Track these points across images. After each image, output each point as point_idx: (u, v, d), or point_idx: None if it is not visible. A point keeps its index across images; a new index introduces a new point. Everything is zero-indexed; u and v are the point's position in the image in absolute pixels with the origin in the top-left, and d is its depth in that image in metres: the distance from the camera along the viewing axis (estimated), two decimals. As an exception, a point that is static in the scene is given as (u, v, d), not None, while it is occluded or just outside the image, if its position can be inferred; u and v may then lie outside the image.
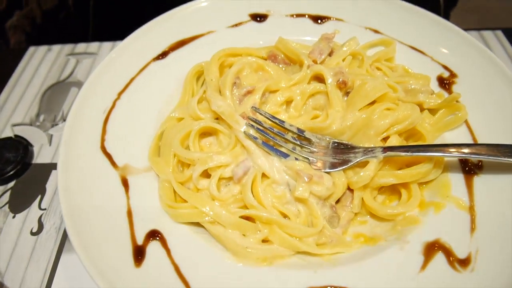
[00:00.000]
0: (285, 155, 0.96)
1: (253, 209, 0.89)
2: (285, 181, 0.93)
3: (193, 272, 0.81)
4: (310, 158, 0.96)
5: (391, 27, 1.27)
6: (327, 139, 1.00)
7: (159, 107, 1.12)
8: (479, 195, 0.90)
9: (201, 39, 1.27)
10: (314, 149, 0.98)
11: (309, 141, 1.00)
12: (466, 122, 1.04)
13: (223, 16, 1.31)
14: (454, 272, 0.78)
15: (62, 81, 1.49)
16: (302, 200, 0.91)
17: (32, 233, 1.09)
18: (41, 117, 1.38)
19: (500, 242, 0.81)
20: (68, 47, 1.61)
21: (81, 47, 1.61)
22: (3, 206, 1.15)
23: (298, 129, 1.00)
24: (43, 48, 1.62)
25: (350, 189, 0.98)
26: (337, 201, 0.97)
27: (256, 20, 1.33)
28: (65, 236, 1.08)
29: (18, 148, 1.26)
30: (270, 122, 1.00)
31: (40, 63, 1.56)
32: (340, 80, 1.05)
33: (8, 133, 1.32)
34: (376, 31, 1.27)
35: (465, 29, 1.52)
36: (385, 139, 0.99)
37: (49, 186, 1.19)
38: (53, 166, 1.23)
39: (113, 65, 1.17)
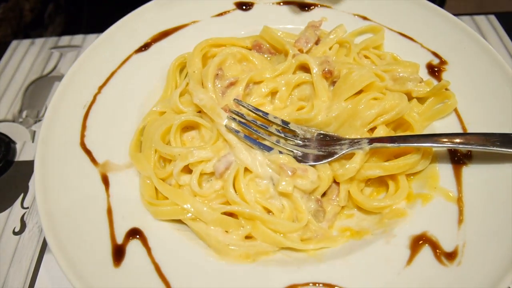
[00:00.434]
0: (269, 149, 0.93)
1: (235, 204, 0.87)
2: (269, 175, 0.91)
3: (174, 271, 0.79)
4: (294, 151, 0.94)
5: (380, 14, 1.23)
6: (313, 130, 0.98)
7: (141, 101, 1.09)
8: (468, 186, 0.88)
9: (184, 30, 1.24)
10: (299, 142, 0.96)
11: (294, 133, 0.97)
12: (455, 110, 1.01)
13: (207, 5, 1.28)
14: (440, 266, 0.76)
15: (45, 75, 1.46)
16: (286, 194, 0.89)
17: (15, 233, 1.07)
18: (24, 113, 1.35)
19: (488, 235, 0.79)
20: (51, 40, 1.57)
21: (65, 40, 1.58)
22: (-15, 205, 1.13)
23: (283, 121, 0.98)
24: (26, 42, 1.58)
25: (336, 182, 0.95)
26: (323, 195, 0.95)
27: (242, 9, 1.29)
28: (48, 235, 1.06)
29: (0, 145, 1.23)
30: (253, 115, 0.97)
31: (23, 57, 1.53)
32: (326, 69, 1.02)
33: (-11, 130, 1.30)
34: (364, 18, 1.24)
35: (458, 14, 1.49)
36: (372, 129, 0.97)
37: (32, 184, 1.16)
38: None
39: (93, 58, 1.13)
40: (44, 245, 1.04)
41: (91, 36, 1.57)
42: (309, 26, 1.17)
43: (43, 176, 0.90)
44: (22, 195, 1.14)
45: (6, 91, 1.41)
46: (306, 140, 0.96)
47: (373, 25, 1.21)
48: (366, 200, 0.92)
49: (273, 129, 0.96)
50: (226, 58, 1.06)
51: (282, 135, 0.96)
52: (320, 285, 0.77)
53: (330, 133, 0.97)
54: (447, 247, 0.79)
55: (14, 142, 1.26)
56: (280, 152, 0.93)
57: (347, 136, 0.96)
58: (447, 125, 1.00)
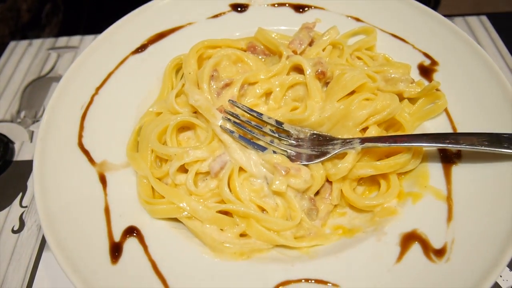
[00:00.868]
0: (263, 148, 0.95)
1: (230, 203, 0.89)
2: (263, 174, 0.93)
3: (170, 269, 0.81)
4: (288, 150, 0.96)
5: (373, 15, 1.25)
6: (306, 131, 1.00)
7: (138, 101, 1.11)
8: (457, 184, 0.90)
9: (180, 31, 1.25)
10: (293, 142, 0.98)
11: (287, 133, 0.99)
12: (446, 110, 1.03)
13: (203, 7, 1.29)
14: (429, 262, 0.79)
15: (43, 76, 1.48)
16: (280, 193, 0.91)
17: (14, 231, 1.09)
18: (22, 114, 1.36)
19: (476, 232, 0.81)
20: (49, 41, 1.59)
21: (62, 41, 1.59)
22: (-16, 204, 1.14)
23: (277, 121, 1.00)
24: (23, 43, 1.59)
25: (329, 181, 0.97)
26: (316, 194, 0.97)
27: (237, 10, 1.31)
28: (46, 233, 1.07)
29: (-1, 145, 1.25)
30: (248, 115, 0.99)
31: (21, 58, 1.54)
32: (319, 70, 1.04)
33: (-12, 130, 1.31)
34: (357, 19, 1.26)
35: (452, 15, 1.51)
36: (364, 129, 0.99)
37: (31, 183, 1.18)
38: None
39: (90, 59, 1.15)
40: (43, 244, 1.06)
41: (88, 37, 1.59)
42: (303, 27, 1.19)
43: (41, 175, 0.91)
44: (20, 194, 1.16)
45: (4, 91, 1.43)
46: (299, 140, 0.99)
47: (365, 26, 1.23)
48: (358, 198, 0.94)
49: (267, 129, 0.98)
50: (221, 59, 1.08)
51: (276, 135, 0.98)
52: (312, 281, 0.79)
53: (323, 133, 0.99)
54: (436, 244, 0.81)
55: (12, 142, 1.28)
56: (274, 152, 0.95)
57: (340, 136, 0.98)
58: (438, 125, 1.02)
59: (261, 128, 0.98)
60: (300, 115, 1.00)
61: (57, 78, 1.46)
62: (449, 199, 0.88)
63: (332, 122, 0.99)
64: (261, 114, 1.00)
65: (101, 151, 1.00)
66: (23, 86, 1.45)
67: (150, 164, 0.97)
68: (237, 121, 0.97)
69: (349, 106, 0.97)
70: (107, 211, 0.90)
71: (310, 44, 1.17)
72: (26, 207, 1.13)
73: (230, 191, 0.90)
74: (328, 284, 0.78)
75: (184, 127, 1.04)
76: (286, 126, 1.00)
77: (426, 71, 1.12)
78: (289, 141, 0.98)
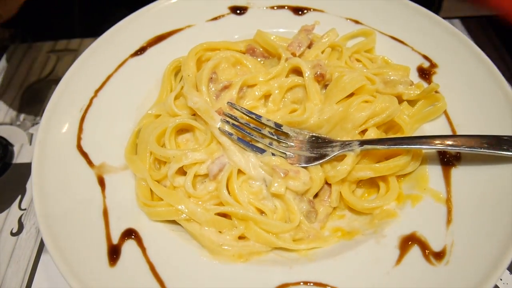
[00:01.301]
0: (261, 151, 0.95)
1: (228, 205, 0.89)
2: (261, 176, 0.93)
3: (168, 271, 0.81)
4: (286, 153, 0.96)
5: (372, 18, 1.25)
6: (305, 133, 0.99)
7: (137, 104, 1.11)
8: (456, 187, 0.90)
9: (179, 34, 1.26)
10: (291, 144, 0.97)
11: (286, 135, 0.99)
12: (445, 112, 1.03)
13: (202, 10, 1.30)
14: (428, 265, 0.78)
15: (42, 78, 1.48)
16: (279, 195, 0.91)
17: (12, 234, 1.09)
18: (22, 116, 1.37)
19: (476, 234, 0.80)
20: (48, 44, 1.59)
21: (62, 44, 1.59)
22: (-17, 207, 1.14)
23: (275, 123, 0.99)
24: (23, 46, 1.59)
25: (328, 184, 0.97)
26: (315, 196, 0.97)
27: (236, 13, 1.31)
28: (45, 236, 1.07)
29: (-2, 147, 1.25)
30: (246, 118, 0.99)
31: (21, 61, 1.54)
32: (318, 73, 1.04)
33: (-12, 133, 1.31)
34: (356, 22, 1.26)
35: (452, 17, 1.51)
36: (363, 132, 0.99)
37: (30, 186, 1.18)
38: None
39: (89, 62, 1.15)
40: (41, 246, 1.06)
41: (87, 40, 1.59)
42: (302, 30, 1.19)
43: (40, 178, 0.91)
44: (19, 197, 1.16)
45: (4, 94, 1.43)
46: (298, 142, 0.98)
47: (364, 29, 1.23)
48: (357, 201, 0.93)
49: (266, 131, 0.98)
50: (220, 62, 1.08)
51: (275, 137, 0.98)
52: (311, 284, 0.79)
53: (322, 136, 0.99)
54: (436, 247, 0.81)
55: (11, 145, 1.28)
56: (273, 154, 0.95)
57: (339, 138, 0.98)
58: (437, 127, 1.02)
59: (260, 130, 0.98)
60: (299, 117, 1.00)
61: (57, 81, 1.44)
62: (448, 201, 0.87)
63: (331, 124, 0.99)
64: (260, 116, 1.00)
65: (100, 153, 1.00)
66: (23, 89, 1.45)
67: (149, 167, 0.96)
68: (236, 123, 0.97)
69: (348, 108, 0.97)
70: (105, 213, 0.89)
71: (309, 46, 1.17)
72: (25, 209, 1.13)
73: (229, 193, 0.90)
74: (327, 286, 0.78)
75: (182, 129, 1.04)
76: (285, 128, 0.99)
77: (425, 73, 1.12)
78: (288, 143, 0.98)
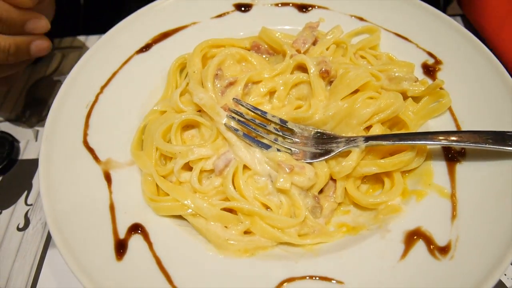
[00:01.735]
0: (267, 146, 0.95)
1: (234, 201, 0.89)
2: (267, 172, 0.93)
3: (175, 265, 0.82)
4: (292, 149, 0.96)
5: (376, 14, 1.26)
6: (310, 129, 1.00)
7: (143, 100, 1.12)
8: (461, 182, 0.90)
9: (184, 31, 1.26)
10: (297, 140, 0.98)
11: (291, 131, 0.99)
12: (450, 109, 1.04)
13: (207, 7, 1.30)
14: (433, 260, 0.79)
15: (48, 75, 1.49)
16: (284, 191, 0.91)
17: (19, 229, 1.09)
18: (27, 113, 1.37)
19: (480, 229, 0.81)
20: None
21: (67, 41, 1.60)
22: (-11, 202, 1.15)
23: (281, 119, 1.00)
24: (28, 43, 1.60)
25: (333, 179, 0.98)
26: (320, 192, 0.97)
27: (241, 10, 1.32)
28: (51, 231, 1.08)
29: (4, 144, 1.25)
30: (252, 114, 1.00)
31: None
32: (323, 69, 1.04)
33: (-6, 129, 1.32)
34: (361, 19, 1.26)
35: (456, 15, 1.51)
36: (368, 128, 0.99)
37: (36, 181, 1.19)
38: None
39: (95, 58, 1.16)
40: (48, 241, 1.07)
41: (92, 37, 1.59)
42: (306, 27, 1.20)
43: (47, 173, 0.92)
44: (26, 192, 1.17)
45: (10, 91, 1.44)
46: (303, 138, 0.99)
47: (369, 25, 1.23)
48: (362, 196, 0.94)
49: (271, 127, 0.99)
50: (225, 58, 1.08)
51: (280, 133, 0.98)
52: (317, 278, 0.79)
53: (327, 132, 1.00)
54: (441, 241, 0.81)
55: (17, 141, 1.29)
56: (278, 150, 0.95)
57: (344, 135, 0.98)
58: (442, 123, 1.02)
59: (265, 126, 0.99)
60: (304, 113, 1.00)
61: (62, 78, 1.47)
62: (453, 197, 0.88)
63: (336, 121, 0.99)
64: (265, 113, 1.00)
65: (106, 149, 1.00)
66: (28, 86, 1.45)
67: (155, 162, 0.97)
68: (242, 119, 0.98)
69: (353, 104, 0.97)
70: (112, 208, 0.90)
71: (314, 43, 1.17)
72: (31, 205, 1.14)
73: (235, 188, 0.91)
74: (333, 281, 0.79)
75: (188, 126, 1.04)
76: (290, 125, 1.00)
77: (430, 70, 1.12)
78: (293, 139, 0.98)
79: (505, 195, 0.84)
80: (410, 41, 1.20)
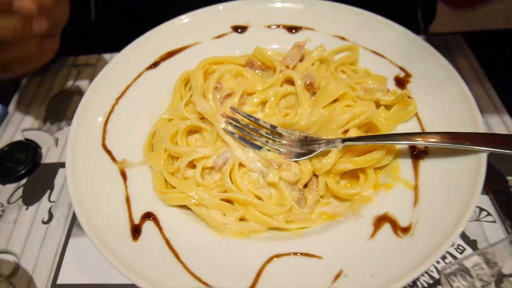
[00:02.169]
0: (259, 147, 1.12)
1: (231, 192, 1.05)
2: (259, 169, 1.10)
3: (181, 245, 0.97)
4: (280, 149, 1.13)
5: (356, 35, 1.43)
6: (296, 133, 1.16)
7: (153, 110, 1.29)
8: (423, 176, 1.05)
9: (188, 50, 1.44)
10: (284, 142, 1.15)
11: (280, 135, 1.16)
12: (416, 115, 1.20)
13: (208, 29, 1.48)
14: (397, 238, 0.94)
15: (65, 90, 1.66)
16: (273, 184, 1.07)
17: (43, 222, 1.25)
18: (48, 123, 1.54)
19: (435, 213, 0.96)
20: (70, 60, 1.78)
21: (81, 59, 1.78)
22: (17, 200, 1.31)
23: (271, 125, 1.17)
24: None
25: (315, 175, 1.14)
26: (305, 186, 1.13)
27: (237, 32, 1.50)
28: (72, 223, 1.24)
29: (28, 150, 1.42)
30: (247, 120, 1.16)
31: (45, 75, 1.73)
32: (308, 82, 1.21)
33: (19, 137, 1.49)
34: (342, 38, 1.44)
35: (430, 34, 1.69)
36: (346, 131, 1.15)
37: (57, 182, 1.35)
38: (59, 165, 1.40)
39: (110, 74, 1.33)
40: (69, 232, 1.22)
41: (105, 56, 1.78)
42: (294, 46, 1.37)
43: (73, 172, 1.08)
44: (48, 191, 1.33)
45: (32, 104, 1.61)
46: (290, 141, 1.15)
47: (349, 44, 1.41)
48: (340, 189, 1.10)
49: (263, 131, 1.15)
50: (223, 73, 1.25)
51: (271, 136, 1.15)
52: (300, 254, 0.95)
53: (310, 135, 1.16)
54: (403, 223, 0.97)
55: (40, 147, 1.45)
56: (269, 150, 1.12)
57: (324, 137, 1.14)
58: (409, 127, 1.18)
59: (258, 130, 1.15)
60: (291, 120, 1.17)
61: (78, 92, 1.65)
62: (416, 188, 1.04)
63: (318, 126, 1.15)
64: (258, 119, 1.17)
65: (122, 151, 1.16)
66: (48, 99, 1.63)
67: (164, 161, 1.13)
68: (238, 124, 1.14)
69: (332, 111, 1.14)
70: (127, 200, 1.06)
71: (301, 60, 1.34)
72: (53, 202, 1.30)
73: (232, 182, 1.07)
74: (313, 256, 0.94)
75: (192, 131, 1.21)
76: (279, 129, 1.16)
77: (400, 82, 1.29)
78: (282, 141, 1.15)
79: (457, 186, 0.99)
80: (384, 57, 1.37)
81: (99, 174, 1.11)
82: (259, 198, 1.07)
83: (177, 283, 0.90)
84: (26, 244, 1.20)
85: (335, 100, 1.17)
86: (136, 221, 1.02)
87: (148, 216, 1.03)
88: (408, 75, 1.31)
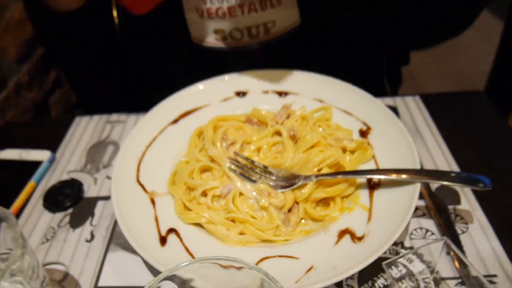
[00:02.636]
0: (254, 181, 1.49)
1: (233, 213, 1.41)
2: (254, 197, 1.46)
3: (197, 251, 1.27)
4: (270, 183, 1.50)
5: (331, 98, 1.82)
6: (282, 171, 1.54)
7: (174, 154, 1.65)
8: (376, 201, 1.39)
9: (201, 110, 1.82)
10: (273, 177, 1.52)
11: (270, 173, 1.54)
12: (374, 157, 1.58)
13: (216, 94, 1.87)
14: (354, 244, 1.27)
15: (102, 141, 2.05)
16: (265, 208, 1.43)
17: (87, 241, 1.57)
18: (88, 166, 1.92)
19: (382, 227, 1.30)
20: (104, 117, 2.19)
21: (114, 116, 2.19)
22: (66, 224, 1.64)
23: (264, 166, 1.55)
24: (86, 118, 2.21)
25: (297, 202, 1.50)
26: (289, 210, 1.48)
27: (239, 96, 1.93)
28: (109, 242, 1.56)
29: (74, 187, 1.77)
30: (245, 161, 1.55)
31: (85, 129, 2.14)
32: (292, 134, 1.61)
33: (65, 177, 1.85)
34: (320, 101, 1.83)
35: (394, 95, 2.11)
36: (320, 170, 1.54)
37: (96, 211, 1.66)
38: (98, 198, 1.73)
39: (142, 128, 1.72)
40: (107, 249, 1.53)
41: (132, 116, 2.19)
42: (283, 107, 1.78)
43: (117, 199, 1.44)
44: (90, 217, 1.65)
45: (75, 152, 1.98)
46: (278, 177, 1.53)
47: (325, 105, 1.81)
48: (315, 212, 1.44)
49: (257, 170, 1.53)
50: (228, 128, 1.65)
51: (263, 174, 1.52)
52: (282, 256, 1.28)
53: (293, 172, 1.54)
54: (359, 234, 1.29)
55: (82, 185, 1.80)
56: (261, 184, 1.49)
57: (303, 174, 1.53)
58: (368, 166, 1.56)
59: (254, 169, 1.53)
60: (278, 161, 1.52)
61: (112, 142, 2.03)
62: (370, 209, 1.36)
63: (299, 166, 1.53)
64: (254, 161, 1.55)
65: (151, 184, 1.51)
66: (88, 147, 2.02)
67: (183, 192, 1.50)
68: (239, 165, 1.53)
69: (309, 155, 1.52)
70: (156, 219, 1.39)
71: (288, 117, 1.74)
72: (94, 225, 1.62)
73: (234, 206, 1.43)
74: (292, 257, 1.28)
75: (204, 169, 1.56)
76: (270, 169, 1.54)
77: (363, 133, 1.67)
78: (271, 177, 1.52)
79: (398, 207, 1.32)
80: (352, 115, 1.76)
81: (135, 201, 1.46)
82: (254, 218, 1.43)
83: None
84: (73, 257, 1.51)
85: (312, 147, 1.56)
86: (163, 234, 1.36)
87: (171, 230, 1.37)
88: (368, 128, 1.70)
